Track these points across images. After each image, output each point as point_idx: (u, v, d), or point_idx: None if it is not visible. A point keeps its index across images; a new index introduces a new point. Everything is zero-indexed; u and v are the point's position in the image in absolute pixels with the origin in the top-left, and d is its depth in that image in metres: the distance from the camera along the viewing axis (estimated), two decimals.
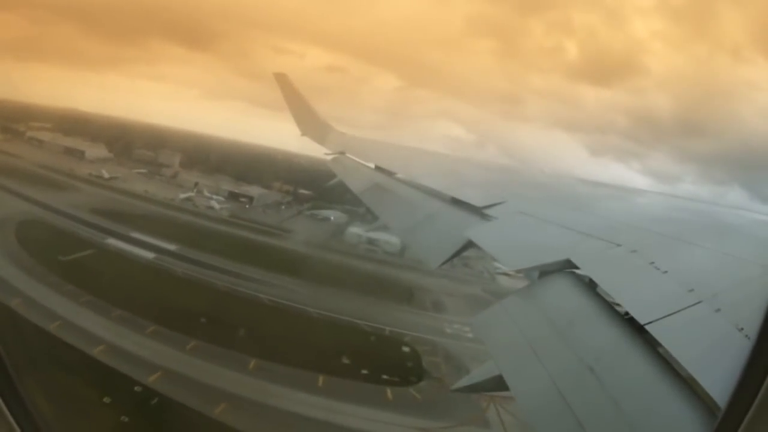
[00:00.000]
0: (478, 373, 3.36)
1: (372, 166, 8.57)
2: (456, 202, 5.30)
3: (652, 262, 2.79)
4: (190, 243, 28.61)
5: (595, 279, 2.85)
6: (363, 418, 17.36)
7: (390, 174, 7.58)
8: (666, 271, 2.67)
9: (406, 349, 22.52)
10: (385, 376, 19.67)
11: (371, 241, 38.78)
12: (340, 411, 17.20)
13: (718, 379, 1.70)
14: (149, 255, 26.59)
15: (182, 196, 38.69)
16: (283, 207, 46.03)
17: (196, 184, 41.69)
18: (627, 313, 2.48)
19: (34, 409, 2.37)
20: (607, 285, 2.78)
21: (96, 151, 44.98)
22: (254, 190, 44.19)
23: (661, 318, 2.25)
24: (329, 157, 10.56)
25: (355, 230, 40.09)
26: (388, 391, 19.20)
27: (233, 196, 42.20)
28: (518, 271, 3.44)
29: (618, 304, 2.61)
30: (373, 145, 11.66)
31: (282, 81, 14.48)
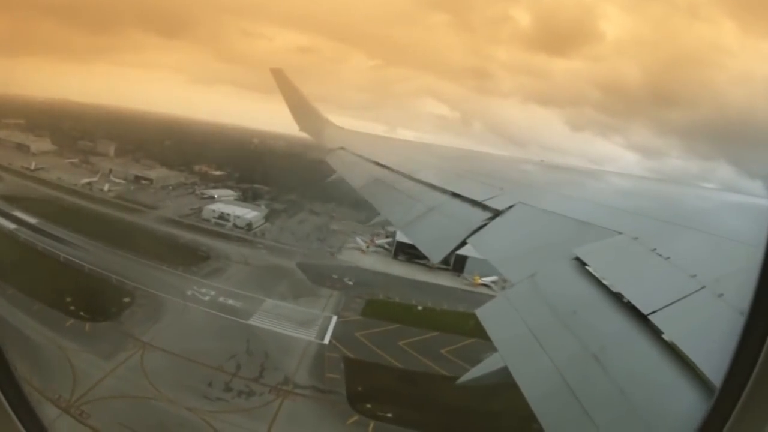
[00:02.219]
0: (483, 366, 3.58)
1: (371, 161, 8.98)
2: (456, 196, 5.60)
3: (654, 249, 2.92)
4: (53, 218, 38.72)
5: (597, 268, 3.03)
6: (44, 336, 24.80)
7: (389, 168, 7.95)
8: (668, 258, 2.78)
9: (126, 299, 30.03)
10: (82, 313, 27.50)
11: (222, 216, 47.91)
12: (32, 328, 24.80)
13: (720, 366, 1.72)
14: (11, 226, 37.10)
15: (83, 181, 49.63)
16: (171, 188, 55.25)
17: (111, 170, 53.71)
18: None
19: (38, 409, 2.41)
20: (609, 274, 2.93)
21: (41, 145, 57.40)
22: (155, 173, 55.22)
23: (664, 307, 2.36)
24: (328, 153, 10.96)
25: (212, 206, 49.33)
26: (86, 325, 26.56)
27: (137, 179, 54.55)
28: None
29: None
30: (372, 140, 12.19)
31: (278, 76, 14.72)
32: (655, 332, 2.32)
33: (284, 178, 77.06)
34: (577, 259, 3.22)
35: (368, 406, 24.39)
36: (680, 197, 4.51)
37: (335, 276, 41.00)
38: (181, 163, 64.76)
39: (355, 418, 23.44)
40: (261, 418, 22.52)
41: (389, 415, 23.88)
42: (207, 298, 32.66)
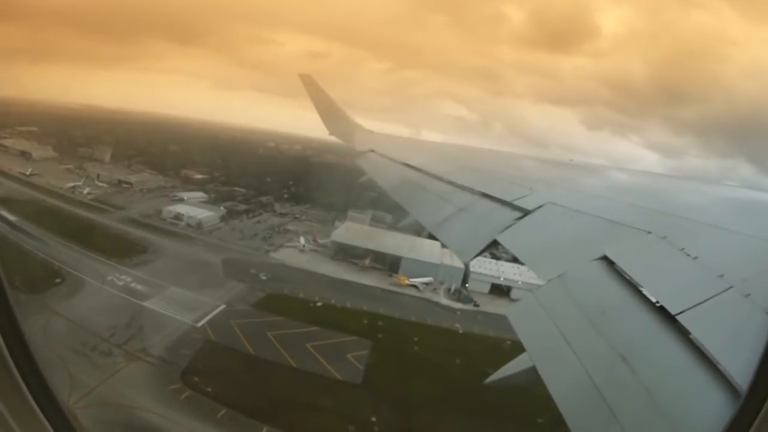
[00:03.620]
0: (511, 366, 3.74)
1: (401, 162, 9.37)
2: (486, 196, 5.75)
3: (683, 249, 2.98)
4: (27, 216, 46.81)
5: (626, 268, 3.08)
6: None
7: (419, 170, 8.26)
8: (696, 257, 2.84)
9: (57, 280, 37.39)
10: (18, 285, 36.50)
11: (177, 217, 55.21)
12: None
13: (746, 367, 1.77)
14: None
15: (69, 185, 58.45)
16: (148, 191, 62.89)
17: (98, 175, 63.48)
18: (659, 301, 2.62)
19: (67, 410, 2.47)
20: (638, 274, 2.97)
21: (43, 152, 66.46)
22: (137, 177, 64.20)
23: (692, 307, 2.40)
24: (358, 154, 11.07)
25: (170, 207, 56.84)
26: (18, 296, 35.79)
27: (119, 183, 64.15)
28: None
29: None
30: (401, 143, 12.46)
31: (307, 82, 15.18)
32: (682, 332, 2.34)
33: (272, 180, 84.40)
34: (606, 258, 3.27)
35: (195, 379, 28.93)
36: (708, 196, 4.55)
37: (253, 271, 46.02)
38: (172, 168, 74.25)
39: (176, 386, 28.10)
40: (105, 371, 28.22)
41: (208, 389, 28.24)
42: (121, 283, 39.49)
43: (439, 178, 7.34)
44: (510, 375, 3.64)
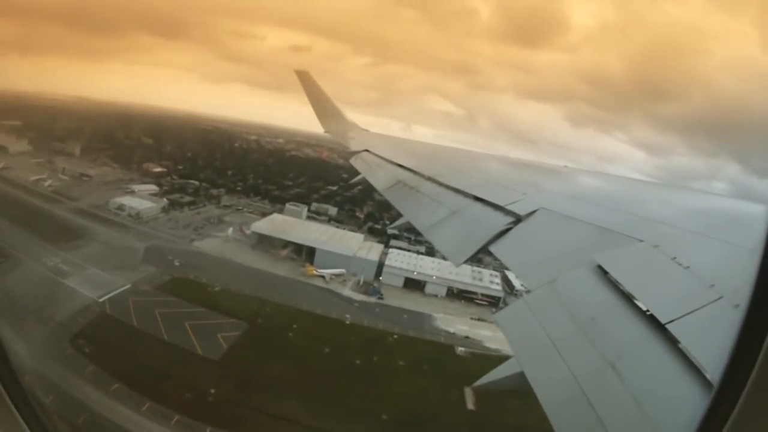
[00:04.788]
0: (498, 370, 3.71)
1: (395, 163, 9.59)
2: (479, 200, 5.86)
3: (674, 258, 3.06)
4: None
5: (617, 276, 3.14)
6: None
7: (413, 171, 8.44)
8: (688, 267, 2.91)
9: (1, 260, 46.55)
10: None
11: (120, 207, 63.87)
12: None
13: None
14: None
15: (33, 178, 67.12)
16: (104, 183, 71.65)
17: (63, 168, 73.34)
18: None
19: (40, 408, 2.61)
20: (629, 282, 3.03)
21: (19, 146, 74.88)
22: (96, 171, 73.48)
23: (682, 316, 2.47)
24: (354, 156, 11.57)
25: (116, 199, 65.51)
26: None
27: (81, 176, 73.40)
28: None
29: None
30: (396, 143, 13.05)
31: (304, 78, 15.58)
32: (671, 341, 2.42)
33: (233, 173, 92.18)
34: (598, 266, 3.36)
35: (80, 342, 37.06)
36: (700, 205, 4.74)
37: (170, 257, 54.03)
38: (137, 161, 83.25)
39: (64, 345, 36.25)
40: (16, 330, 36.34)
41: (87, 351, 36.28)
42: (51, 263, 48.27)
43: (433, 180, 7.49)
44: (497, 380, 3.71)
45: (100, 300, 43.36)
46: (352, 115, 16.21)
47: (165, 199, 68.75)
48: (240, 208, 76.76)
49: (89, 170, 74.08)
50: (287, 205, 77.93)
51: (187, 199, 73.17)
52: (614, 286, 3.08)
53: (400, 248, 76.22)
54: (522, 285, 58.62)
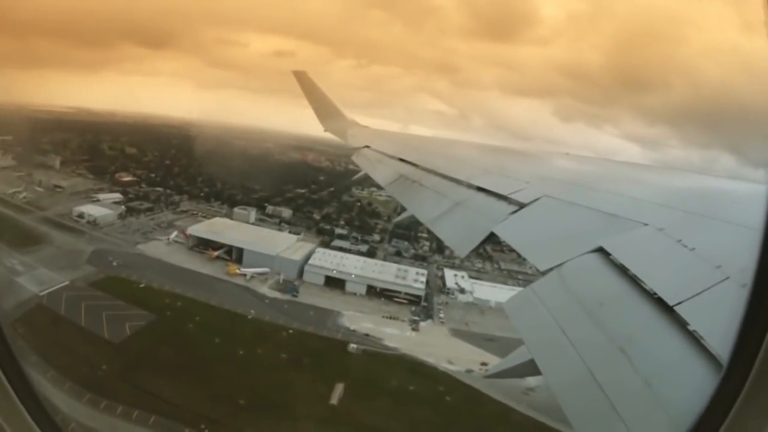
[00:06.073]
0: (509, 359, 3.82)
1: (396, 158, 9.86)
2: (482, 190, 6.04)
3: (680, 240, 3.17)
4: None
5: (623, 260, 3.24)
6: None
7: (415, 165, 8.67)
8: (693, 249, 3.01)
9: None
10: None
11: (81, 215, 76.00)
12: None
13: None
14: None
15: (11, 190, 77.73)
16: (75, 194, 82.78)
17: (40, 181, 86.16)
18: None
19: (50, 408, 2.71)
20: (635, 266, 3.13)
21: (3, 161, 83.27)
22: (69, 182, 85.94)
23: (689, 298, 2.56)
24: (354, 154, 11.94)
25: (78, 207, 77.54)
26: None
27: (55, 187, 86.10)
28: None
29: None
30: (396, 138, 13.57)
31: (301, 78, 16.20)
32: (680, 323, 2.50)
33: (202, 180, 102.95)
34: (604, 251, 3.46)
35: (16, 325, 48.46)
36: (702, 187, 4.91)
37: (110, 259, 65.32)
38: (113, 171, 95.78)
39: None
40: None
41: (18, 332, 47.59)
42: (9, 264, 60.50)
43: (435, 173, 7.67)
44: (508, 368, 3.77)
45: (41, 294, 54.90)
46: (350, 116, 16.64)
47: (123, 207, 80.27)
48: (195, 212, 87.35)
49: (62, 182, 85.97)
50: (236, 209, 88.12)
51: (146, 205, 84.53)
52: (621, 270, 3.17)
53: (341, 248, 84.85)
54: (456, 284, 65.89)
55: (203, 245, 72.56)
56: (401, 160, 9.37)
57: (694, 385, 2.20)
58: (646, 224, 3.55)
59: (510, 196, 5.33)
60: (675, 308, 2.54)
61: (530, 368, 3.11)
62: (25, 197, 78.88)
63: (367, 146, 11.75)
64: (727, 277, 2.53)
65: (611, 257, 3.33)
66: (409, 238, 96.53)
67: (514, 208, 5.10)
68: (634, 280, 3.01)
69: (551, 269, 3.63)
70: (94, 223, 73.85)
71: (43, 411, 2.62)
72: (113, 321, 51.89)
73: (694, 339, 2.36)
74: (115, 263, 64.16)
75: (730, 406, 1.79)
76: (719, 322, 2.33)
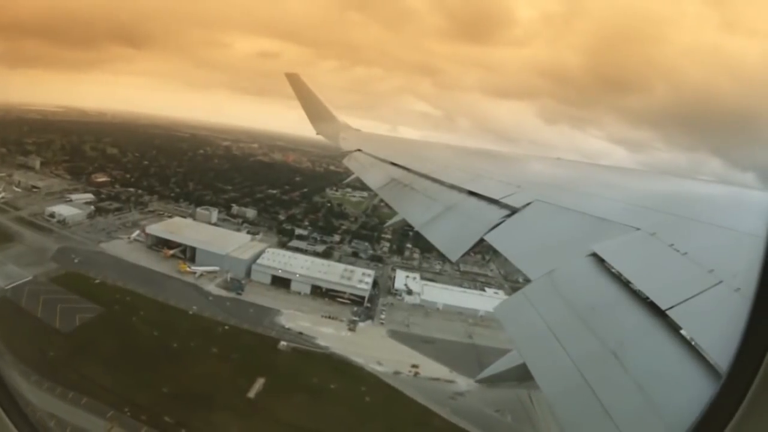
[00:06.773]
0: (501, 363, 3.92)
1: (387, 161, 10.02)
2: (473, 194, 6.17)
3: (672, 244, 3.20)
4: None
5: (615, 264, 3.28)
6: None
7: (406, 169, 8.84)
8: (686, 253, 3.06)
9: None
10: None
11: (52, 215, 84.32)
12: None
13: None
14: None
15: None
16: (50, 194, 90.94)
17: (19, 182, 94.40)
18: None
19: (30, 411, 2.76)
20: (628, 270, 3.18)
21: None
22: (45, 183, 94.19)
23: (682, 302, 2.59)
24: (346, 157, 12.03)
25: (50, 207, 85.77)
26: None
27: (32, 188, 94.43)
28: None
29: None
30: (388, 141, 13.70)
31: (294, 81, 16.31)
32: (673, 328, 2.53)
33: (175, 181, 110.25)
34: (595, 255, 3.52)
35: None
36: (694, 192, 4.99)
37: (72, 256, 73.49)
38: (91, 172, 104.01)
39: None
40: None
41: None
42: None
43: (426, 176, 7.82)
44: (499, 372, 3.85)
45: (6, 287, 63.24)
46: (342, 118, 16.74)
47: (92, 207, 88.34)
48: (162, 213, 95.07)
49: (39, 182, 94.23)
50: (198, 209, 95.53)
51: (116, 205, 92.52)
52: (613, 274, 3.21)
53: (297, 248, 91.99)
54: (404, 285, 74.64)
55: (161, 244, 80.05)
56: (393, 163, 9.59)
57: (688, 389, 2.22)
58: (638, 228, 3.60)
59: (501, 200, 5.47)
60: (667, 312, 2.58)
61: (522, 372, 3.19)
62: (3, 198, 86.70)
63: (359, 150, 11.95)
64: (720, 281, 2.56)
65: (604, 262, 3.39)
66: (371, 239, 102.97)
67: (505, 212, 5.21)
68: (626, 285, 3.06)
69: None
70: (63, 223, 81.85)
71: (23, 414, 2.74)
72: (66, 313, 59.92)
73: (687, 343, 2.40)
74: (76, 260, 72.15)
75: (731, 415, 1.81)
76: (712, 326, 2.41)
